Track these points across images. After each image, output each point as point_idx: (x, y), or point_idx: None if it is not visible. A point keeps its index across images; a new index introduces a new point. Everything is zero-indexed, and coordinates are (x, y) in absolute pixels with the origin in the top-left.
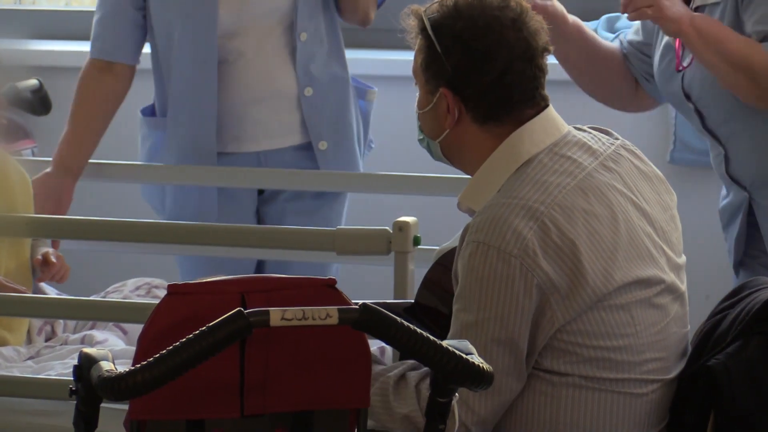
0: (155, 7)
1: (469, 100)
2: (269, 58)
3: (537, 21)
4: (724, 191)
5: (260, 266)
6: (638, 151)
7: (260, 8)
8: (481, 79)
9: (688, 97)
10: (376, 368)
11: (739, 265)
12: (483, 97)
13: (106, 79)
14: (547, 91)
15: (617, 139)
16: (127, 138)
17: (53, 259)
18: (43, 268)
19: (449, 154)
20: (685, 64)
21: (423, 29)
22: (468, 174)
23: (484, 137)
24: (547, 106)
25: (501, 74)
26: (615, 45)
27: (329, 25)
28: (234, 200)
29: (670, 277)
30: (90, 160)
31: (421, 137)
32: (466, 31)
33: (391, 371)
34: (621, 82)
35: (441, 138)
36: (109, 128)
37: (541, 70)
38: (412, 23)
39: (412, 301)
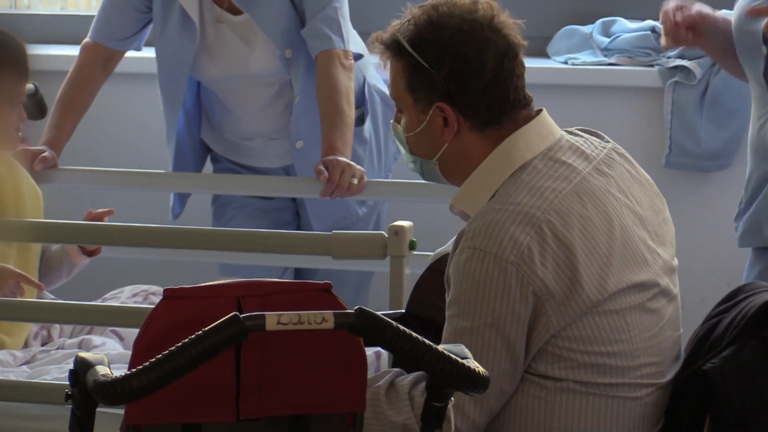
0: (154, 25)
1: (467, 108)
2: (263, 107)
3: (511, 19)
4: None
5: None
6: (628, 155)
7: (253, 70)
8: (477, 84)
9: (765, 40)
10: None
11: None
12: (481, 102)
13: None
14: (537, 95)
15: (608, 142)
16: (126, 143)
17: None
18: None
19: (447, 169)
20: None
21: (400, 51)
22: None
23: (483, 144)
24: (529, 103)
25: (494, 74)
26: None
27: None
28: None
29: (664, 280)
30: (89, 167)
31: (413, 160)
32: (453, 39)
33: (379, 380)
34: None
35: (438, 155)
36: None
37: (523, 66)
38: (380, 50)
39: (403, 311)
